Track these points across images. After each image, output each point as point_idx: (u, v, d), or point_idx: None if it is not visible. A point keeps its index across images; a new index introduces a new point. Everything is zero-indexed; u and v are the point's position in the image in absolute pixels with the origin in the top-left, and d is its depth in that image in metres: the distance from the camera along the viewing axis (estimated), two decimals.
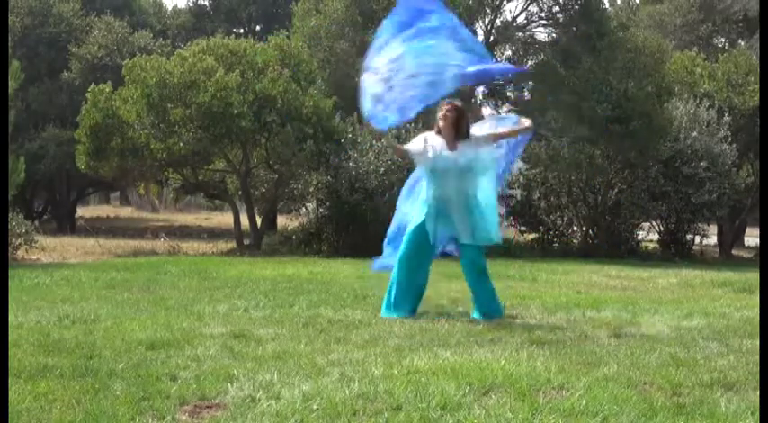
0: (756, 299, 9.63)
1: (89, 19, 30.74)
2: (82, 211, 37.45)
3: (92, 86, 20.00)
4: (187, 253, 19.10)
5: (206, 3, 37.95)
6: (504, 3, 23.55)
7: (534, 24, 23.63)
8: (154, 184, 26.31)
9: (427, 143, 8.36)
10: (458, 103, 8.52)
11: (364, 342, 6.67)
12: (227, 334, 6.90)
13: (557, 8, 23.09)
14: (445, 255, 8.82)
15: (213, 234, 27.24)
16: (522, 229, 22.71)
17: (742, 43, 32.07)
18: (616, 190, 22.05)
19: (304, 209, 21.16)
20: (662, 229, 23.03)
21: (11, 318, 7.47)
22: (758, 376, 5.44)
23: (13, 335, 6.57)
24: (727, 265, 20.29)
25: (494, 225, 8.38)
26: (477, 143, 8.39)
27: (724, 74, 24.02)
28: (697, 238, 23.24)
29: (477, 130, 8.68)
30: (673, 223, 22.63)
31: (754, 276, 13.33)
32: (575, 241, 22.51)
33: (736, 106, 23.04)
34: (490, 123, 9.26)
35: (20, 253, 18.36)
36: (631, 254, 21.35)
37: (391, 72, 8.14)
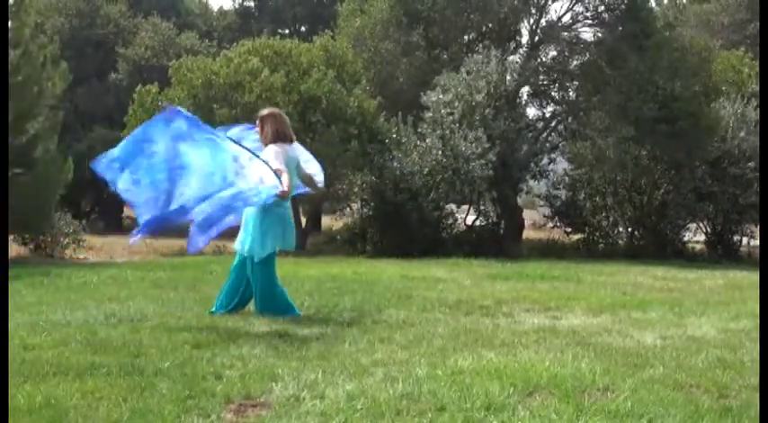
0: None
1: (136, 20, 31.07)
2: (129, 211, 37.74)
3: (138, 87, 20.24)
4: (233, 253, 19.14)
5: (251, 4, 38.24)
6: (550, 2, 23.42)
7: (580, 24, 23.42)
8: None
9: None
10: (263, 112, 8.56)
11: (408, 342, 6.67)
12: (271, 333, 6.93)
13: (602, 8, 22.89)
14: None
15: None
16: (568, 229, 22.61)
17: None
18: (662, 190, 21.87)
19: (348, 209, 21.21)
20: (709, 229, 22.80)
21: (59, 316, 7.58)
22: None
23: (60, 333, 6.65)
24: None
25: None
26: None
27: None
28: (744, 240, 22.98)
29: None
30: (720, 224, 22.40)
31: None
32: (620, 242, 22.36)
33: None
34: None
35: (68, 252, 18.60)
36: (678, 255, 21.13)
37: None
